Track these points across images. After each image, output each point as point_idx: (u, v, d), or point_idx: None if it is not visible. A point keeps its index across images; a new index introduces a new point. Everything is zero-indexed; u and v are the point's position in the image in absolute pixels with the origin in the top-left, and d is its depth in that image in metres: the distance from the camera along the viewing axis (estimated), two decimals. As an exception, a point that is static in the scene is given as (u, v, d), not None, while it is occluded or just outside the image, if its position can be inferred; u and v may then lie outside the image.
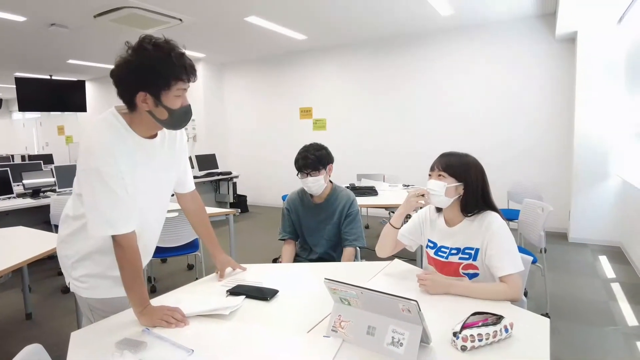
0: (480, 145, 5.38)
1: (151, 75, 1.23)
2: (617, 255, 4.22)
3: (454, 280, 1.52)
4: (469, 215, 1.57)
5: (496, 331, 1.10)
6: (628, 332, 2.64)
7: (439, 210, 1.69)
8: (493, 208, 1.57)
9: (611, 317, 2.86)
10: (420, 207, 1.75)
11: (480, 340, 1.08)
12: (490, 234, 1.50)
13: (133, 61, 1.23)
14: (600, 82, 4.49)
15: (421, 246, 1.78)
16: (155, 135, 1.40)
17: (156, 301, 1.42)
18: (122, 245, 1.28)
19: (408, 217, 1.78)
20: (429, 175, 1.62)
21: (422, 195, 1.62)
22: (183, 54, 1.27)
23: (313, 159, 2.17)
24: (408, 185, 4.45)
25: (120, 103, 1.31)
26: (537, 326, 1.22)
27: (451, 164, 1.57)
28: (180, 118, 1.32)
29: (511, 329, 1.13)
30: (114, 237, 1.28)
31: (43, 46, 6.09)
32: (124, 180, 1.27)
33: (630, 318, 2.84)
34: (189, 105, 1.33)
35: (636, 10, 3.82)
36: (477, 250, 1.54)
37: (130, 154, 1.29)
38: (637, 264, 3.76)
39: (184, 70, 1.25)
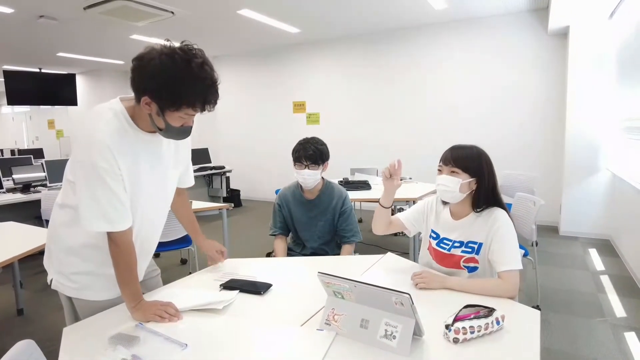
0: (473, 138, 5.34)
1: (165, 91, 1.14)
2: (607, 248, 4.29)
3: (449, 275, 1.53)
4: (479, 210, 1.55)
5: (488, 323, 1.12)
6: (616, 323, 2.68)
7: (445, 202, 1.67)
8: (501, 204, 1.56)
9: (600, 308, 2.91)
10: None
11: (472, 333, 1.09)
12: (495, 229, 1.50)
13: (157, 65, 1.12)
14: (592, 77, 4.52)
15: (415, 238, 1.79)
16: None
17: (149, 296, 1.42)
18: (118, 243, 1.25)
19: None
20: (439, 169, 1.58)
21: (392, 176, 1.62)
22: (211, 86, 1.17)
23: (316, 152, 2.15)
24: (401, 180, 4.46)
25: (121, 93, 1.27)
26: (528, 318, 1.24)
27: (465, 159, 1.52)
28: (175, 135, 1.26)
29: (502, 321, 1.14)
30: (109, 234, 1.24)
31: (32, 38, 5.99)
32: (122, 177, 1.22)
33: (618, 309, 2.89)
34: (191, 127, 1.27)
35: (627, 5, 3.84)
36: (480, 244, 1.54)
37: (131, 148, 1.25)
38: (625, 257, 3.82)
39: (201, 102, 1.18)
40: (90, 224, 1.21)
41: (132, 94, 1.23)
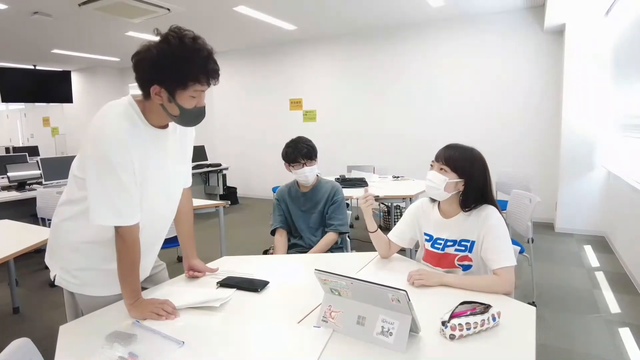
0: (469, 136, 5.42)
1: (169, 72, 1.18)
2: (602, 244, 4.31)
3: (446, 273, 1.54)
4: (467, 210, 1.56)
5: (484, 320, 1.12)
6: (611, 319, 2.70)
7: (433, 200, 1.68)
8: (491, 202, 1.56)
9: (595, 304, 2.93)
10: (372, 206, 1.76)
11: (468, 329, 1.10)
12: (487, 227, 1.50)
13: (154, 52, 1.17)
14: (588, 74, 4.54)
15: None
16: (167, 125, 1.36)
17: (146, 294, 1.41)
18: (125, 238, 1.25)
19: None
20: (431, 165, 1.60)
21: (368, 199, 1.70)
22: (209, 57, 1.21)
23: (309, 148, 2.28)
24: (398, 177, 4.47)
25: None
26: (524, 314, 1.24)
27: (455, 159, 1.53)
28: (191, 118, 1.29)
29: (498, 317, 1.15)
30: (117, 228, 1.25)
31: (26, 35, 5.94)
32: (134, 171, 1.24)
33: (613, 305, 2.91)
34: (204, 107, 1.29)
35: (623, 2, 3.85)
36: (472, 242, 1.54)
37: (143, 143, 1.26)
38: (620, 254, 3.85)
39: (205, 74, 1.21)
40: (100, 217, 1.22)
41: (135, 92, 1.25)
